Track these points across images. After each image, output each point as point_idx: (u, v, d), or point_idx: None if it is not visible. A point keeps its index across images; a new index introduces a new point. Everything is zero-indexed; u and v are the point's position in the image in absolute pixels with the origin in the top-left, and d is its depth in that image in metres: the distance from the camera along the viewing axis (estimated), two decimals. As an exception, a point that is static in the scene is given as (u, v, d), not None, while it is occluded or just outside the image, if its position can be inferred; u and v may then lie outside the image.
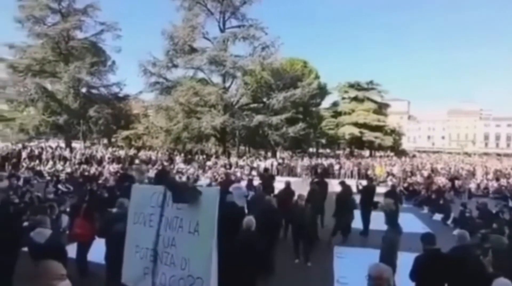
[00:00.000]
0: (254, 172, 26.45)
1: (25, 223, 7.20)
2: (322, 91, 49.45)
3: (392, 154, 56.85)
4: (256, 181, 14.28)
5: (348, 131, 53.11)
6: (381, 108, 58.04)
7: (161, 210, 3.85)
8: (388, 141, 54.96)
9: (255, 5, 35.34)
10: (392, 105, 65.35)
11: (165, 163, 26.92)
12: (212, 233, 3.43)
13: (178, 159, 29.79)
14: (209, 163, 28.80)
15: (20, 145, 29.05)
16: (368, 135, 52.99)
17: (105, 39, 37.38)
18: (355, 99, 56.16)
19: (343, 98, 58.26)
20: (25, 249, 5.51)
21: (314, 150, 54.59)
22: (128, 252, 4.18)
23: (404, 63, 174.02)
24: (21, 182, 15.13)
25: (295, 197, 8.89)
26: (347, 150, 60.63)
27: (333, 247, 9.39)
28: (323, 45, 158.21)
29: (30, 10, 33.35)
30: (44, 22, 34.75)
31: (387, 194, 10.86)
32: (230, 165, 28.28)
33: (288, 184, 10.76)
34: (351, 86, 57.31)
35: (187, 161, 29.21)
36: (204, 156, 32.66)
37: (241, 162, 29.68)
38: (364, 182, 13.26)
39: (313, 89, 38.18)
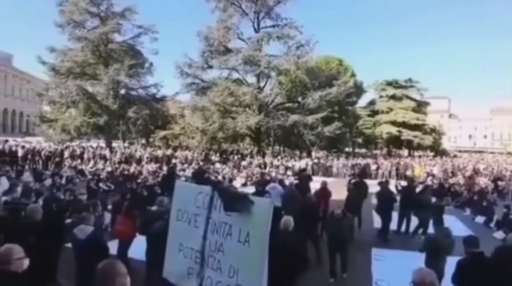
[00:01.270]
0: (289, 172, 26.33)
1: (68, 220, 7.41)
2: (359, 90, 48.77)
3: (432, 154, 55.24)
4: (288, 181, 14.16)
5: (385, 130, 52.04)
6: (420, 106, 56.52)
7: (208, 212, 3.79)
8: (428, 140, 53.42)
9: (289, 4, 35.27)
10: (431, 103, 63.25)
11: (201, 163, 27.13)
12: (264, 246, 3.33)
13: (214, 158, 30.06)
14: (244, 163, 28.88)
15: (62, 145, 30.18)
16: (407, 134, 51.68)
17: (142, 41, 38.10)
18: (393, 97, 54.92)
19: (381, 96, 57.09)
20: (68, 245, 5.66)
21: (350, 149, 53.82)
22: (170, 248, 4.21)
23: (444, 60, 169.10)
24: (63, 181, 15.61)
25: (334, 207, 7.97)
26: (385, 149, 59.44)
27: (371, 249, 9.16)
28: (359, 42, 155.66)
29: (70, 15, 34.40)
30: (84, 26, 35.75)
31: (439, 192, 10.53)
32: (265, 165, 28.26)
33: (324, 184, 10.54)
34: (389, 83, 56.14)
35: (222, 161, 29.41)
36: (239, 156, 32.77)
37: (276, 162, 29.60)
38: (404, 183, 12.89)
39: (349, 88, 37.52)
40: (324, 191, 10.30)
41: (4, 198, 8.33)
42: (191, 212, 3.99)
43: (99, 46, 35.68)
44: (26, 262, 3.30)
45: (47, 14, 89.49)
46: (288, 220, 5.34)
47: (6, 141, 30.03)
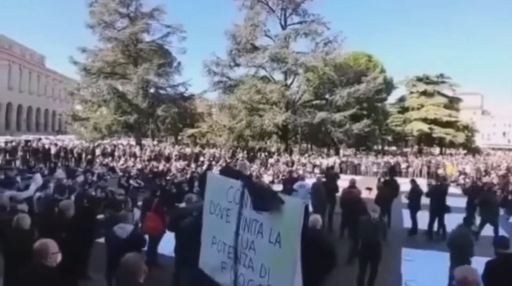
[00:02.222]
0: (316, 170, 26.10)
1: (100, 216, 7.57)
2: (388, 86, 47.85)
3: (464, 151, 53.69)
4: (309, 180, 13.98)
5: (416, 127, 50.86)
6: (452, 103, 54.94)
7: (240, 208, 3.67)
8: (460, 138, 51.83)
9: (316, 0, 34.92)
10: (464, 100, 61.37)
11: (228, 160, 27.20)
12: (296, 248, 3.19)
13: (241, 156, 30.11)
14: (271, 160, 28.81)
15: (94, 143, 30.95)
16: (439, 132, 50.34)
17: (171, 41, 38.78)
18: (424, 93, 53.55)
19: (411, 93, 55.78)
20: (100, 240, 5.76)
21: (380, 147, 52.94)
22: (204, 240, 4.16)
23: (477, 55, 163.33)
24: (95, 178, 15.94)
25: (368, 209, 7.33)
26: (415, 147, 58.18)
27: (401, 249, 8.95)
28: (389, 37, 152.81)
29: (100, 16, 35.20)
30: (114, 27, 36.53)
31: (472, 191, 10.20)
32: (292, 163, 28.09)
33: (353, 182, 10.33)
34: (420, 79, 54.77)
35: (249, 159, 29.43)
36: (266, 154, 32.73)
37: (303, 160, 29.40)
38: (435, 182, 12.56)
39: (378, 84, 36.78)
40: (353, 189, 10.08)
41: (38, 194, 8.55)
42: (223, 206, 3.91)
43: (128, 46, 36.38)
44: (60, 257, 3.40)
45: (78, 15, 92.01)
46: (316, 218, 5.30)
47: (40, 139, 31.11)
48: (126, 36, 35.60)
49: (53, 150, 24.65)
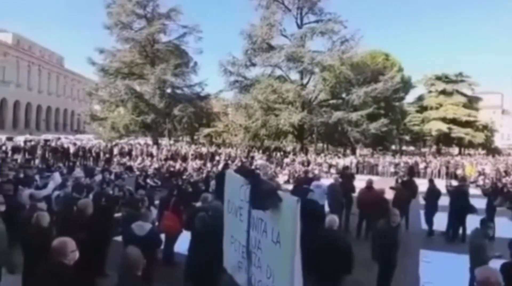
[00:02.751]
0: (333, 170, 25.90)
1: (118, 214, 7.63)
2: (406, 85, 47.29)
3: (483, 152, 52.67)
4: (325, 180, 13.86)
5: (435, 127, 50.04)
6: (471, 102, 53.89)
7: (249, 207, 3.62)
8: (480, 137, 50.87)
9: (333, -1, 34.72)
10: (483, 99, 60.13)
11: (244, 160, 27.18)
12: (294, 248, 3.06)
13: (257, 156, 30.07)
14: (286, 160, 28.71)
15: (112, 142, 31.31)
16: (458, 132, 49.43)
17: (187, 41, 39.06)
18: (443, 92, 52.67)
19: (430, 92, 54.91)
20: (117, 238, 5.79)
21: (397, 147, 52.32)
22: (226, 239, 4.20)
23: (497, 53, 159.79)
24: (113, 177, 16.07)
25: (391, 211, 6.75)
26: (434, 147, 57.31)
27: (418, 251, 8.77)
28: (407, 36, 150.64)
29: (117, 17, 35.68)
30: (131, 27, 36.95)
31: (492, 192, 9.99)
32: (308, 162, 27.93)
33: (370, 183, 10.16)
34: (438, 78, 53.85)
35: (265, 158, 29.37)
36: (282, 153, 32.64)
37: (319, 160, 29.22)
38: (455, 182, 12.31)
39: (396, 83, 36.40)
40: (370, 190, 9.89)
41: (56, 193, 8.65)
42: (237, 204, 3.88)
43: (146, 47, 36.78)
44: (77, 255, 3.43)
45: (96, 16, 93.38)
46: (333, 218, 5.26)
47: (59, 138, 31.68)
48: (143, 36, 36.00)
49: (71, 149, 25.04)
